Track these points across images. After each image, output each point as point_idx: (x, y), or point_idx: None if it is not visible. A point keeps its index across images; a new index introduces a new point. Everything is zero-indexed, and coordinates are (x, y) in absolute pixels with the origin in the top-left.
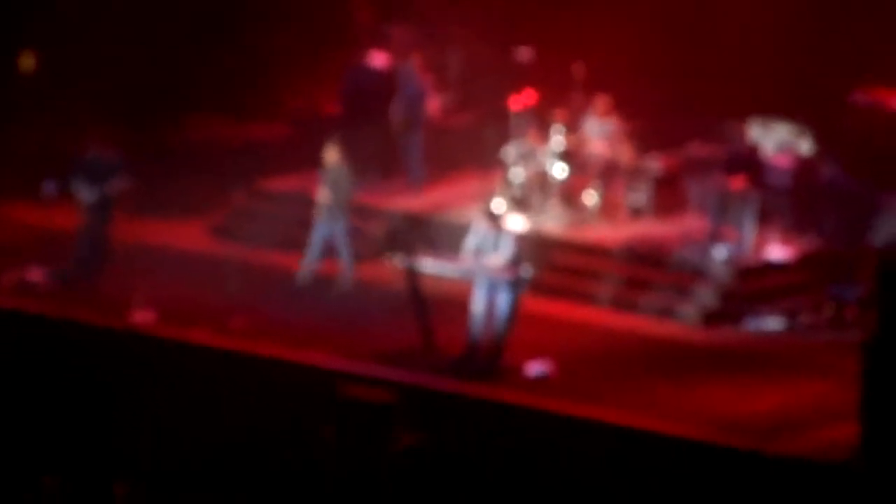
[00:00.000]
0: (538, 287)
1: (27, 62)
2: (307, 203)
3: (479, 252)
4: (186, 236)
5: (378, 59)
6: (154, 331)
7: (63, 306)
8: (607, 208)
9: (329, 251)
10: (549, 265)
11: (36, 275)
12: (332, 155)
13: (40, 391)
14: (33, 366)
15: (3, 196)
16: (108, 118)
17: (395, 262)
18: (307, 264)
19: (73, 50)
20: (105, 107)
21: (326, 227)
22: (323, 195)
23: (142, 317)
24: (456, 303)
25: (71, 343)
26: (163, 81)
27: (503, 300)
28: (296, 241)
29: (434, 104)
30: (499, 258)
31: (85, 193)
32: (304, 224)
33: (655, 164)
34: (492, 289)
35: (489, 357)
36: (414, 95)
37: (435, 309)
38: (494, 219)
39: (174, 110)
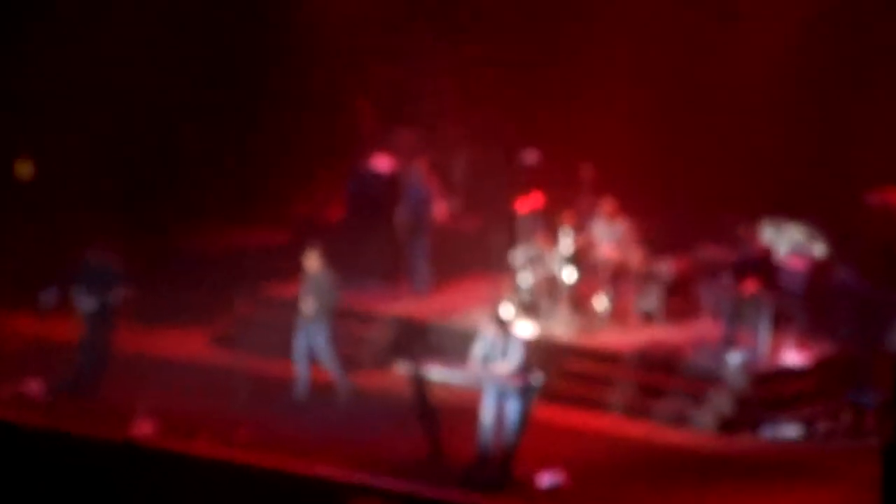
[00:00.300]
0: (548, 394)
1: (24, 169)
2: None
3: (487, 359)
4: (189, 345)
5: (382, 164)
6: (156, 443)
7: (61, 419)
8: (618, 313)
9: (314, 359)
10: (559, 372)
11: (34, 387)
12: (312, 261)
13: None
14: (30, 481)
15: (0, 306)
16: (108, 225)
17: (401, 370)
18: (299, 376)
19: (71, 155)
20: (105, 213)
21: (307, 336)
22: (305, 303)
23: (143, 428)
24: (464, 411)
25: (69, 456)
26: (165, 186)
27: (513, 408)
28: None
29: (441, 209)
30: (507, 365)
31: (85, 302)
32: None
33: (666, 267)
34: (501, 397)
35: (499, 468)
36: (420, 199)
37: (443, 418)
38: (502, 324)
39: (176, 216)
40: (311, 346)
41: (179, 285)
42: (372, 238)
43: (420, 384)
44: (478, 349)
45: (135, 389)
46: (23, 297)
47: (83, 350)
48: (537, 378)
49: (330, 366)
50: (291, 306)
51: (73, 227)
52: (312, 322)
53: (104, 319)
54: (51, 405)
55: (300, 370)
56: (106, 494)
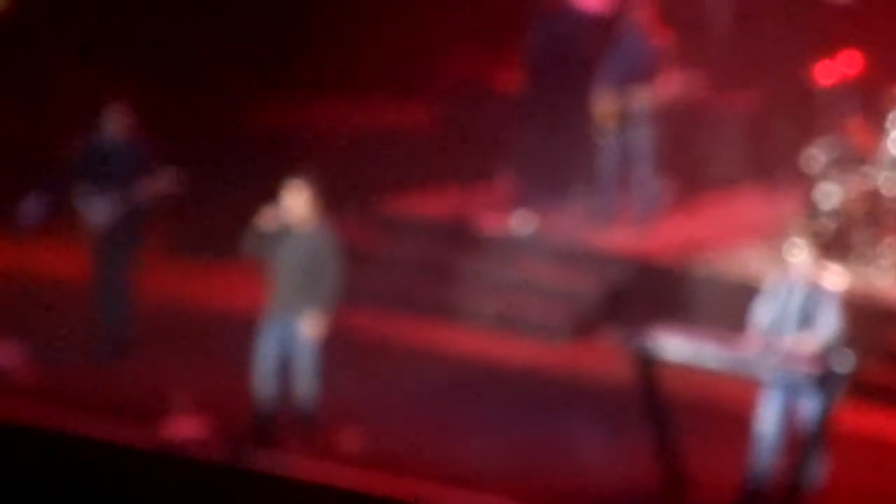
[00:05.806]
0: (860, 387)
1: None
2: (468, 238)
3: (774, 329)
4: (263, 289)
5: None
6: (208, 452)
7: (55, 410)
8: None
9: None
10: (879, 350)
11: (9, 356)
12: (297, 201)
13: None
14: None
15: None
16: (135, 84)
17: (616, 342)
18: (262, 400)
19: None
20: (131, 66)
21: (282, 335)
22: (285, 278)
23: (187, 428)
24: (722, 413)
25: (68, 470)
26: (233, 35)
27: (810, 411)
28: (447, 299)
29: (670, 81)
30: (809, 339)
31: (96, 207)
32: (461, 273)
33: None
34: (792, 394)
35: None
36: (633, 63)
37: (685, 422)
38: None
39: (251, 81)
40: (288, 352)
41: (253, 189)
42: (569, 123)
43: (648, 366)
44: (764, 313)
45: (175, 363)
46: None
47: (94, 292)
48: (843, 361)
49: (309, 387)
50: (434, 229)
51: (78, 84)
52: (294, 313)
53: (127, 235)
54: (36, 387)
55: (265, 391)
56: None
